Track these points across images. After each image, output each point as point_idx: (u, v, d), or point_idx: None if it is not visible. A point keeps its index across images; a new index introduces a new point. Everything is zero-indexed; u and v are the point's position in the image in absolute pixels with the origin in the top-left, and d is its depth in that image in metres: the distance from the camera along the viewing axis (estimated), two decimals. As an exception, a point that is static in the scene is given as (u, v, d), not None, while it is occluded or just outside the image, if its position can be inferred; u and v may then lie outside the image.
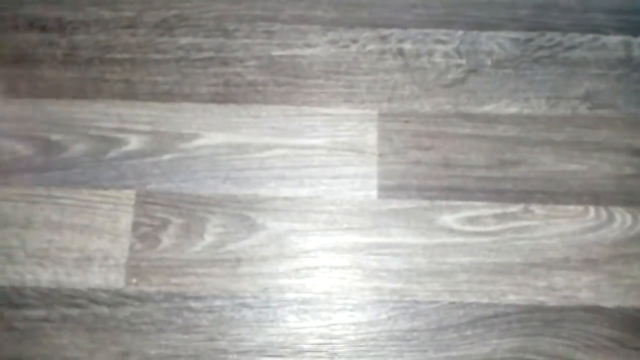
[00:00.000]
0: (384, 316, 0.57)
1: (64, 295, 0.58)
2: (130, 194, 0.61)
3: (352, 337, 0.57)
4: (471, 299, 0.58)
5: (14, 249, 0.59)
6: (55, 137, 0.63)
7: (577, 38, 0.67)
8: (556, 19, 0.68)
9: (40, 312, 0.57)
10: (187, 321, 0.57)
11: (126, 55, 0.66)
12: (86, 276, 0.58)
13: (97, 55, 0.66)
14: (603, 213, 0.60)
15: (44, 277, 0.58)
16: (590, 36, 0.67)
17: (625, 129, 0.64)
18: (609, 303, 0.58)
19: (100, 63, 0.66)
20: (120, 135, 0.63)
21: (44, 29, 0.67)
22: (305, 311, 0.57)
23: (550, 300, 0.58)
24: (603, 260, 0.59)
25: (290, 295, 0.58)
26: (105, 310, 0.57)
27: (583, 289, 0.58)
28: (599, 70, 0.66)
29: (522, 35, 0.67)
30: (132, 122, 0.64)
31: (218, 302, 0.57)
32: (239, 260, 0.59)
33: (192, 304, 0.57)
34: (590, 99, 0.65)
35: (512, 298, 0.58)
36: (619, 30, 0.67)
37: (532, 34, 0.67)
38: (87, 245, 0.59)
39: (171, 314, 0.57)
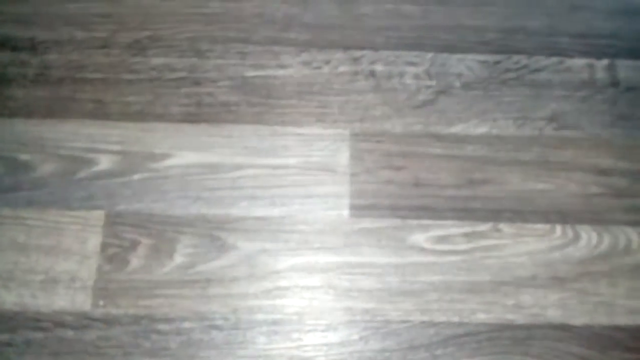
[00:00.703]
0: (355, 336, 0.57)
1: (28, 318, 0.56)
2: (100, 214, 0.60)
3: (323, 359, 0.56)
4: (442, 318, 0.58)
5: (-23, 271, 0.58)
6: (23, 157, 0.62)
7: (543, 61, 0.69)
8: (523, 43, 0.70)
9: (4, 337, 0.56)
10: (155, 344, 0.56)
11: (98, 75, 0.66)
12: (52, 298, 0.57)
13: (69, 75, 0.66)
14: (569, 231, 0.61)
15: (9, 299, 0.57)
16: (555, 59, 0.69)
17: (591, 149, 0.65)
18: (577, 320, 0.58)
19: (72, 83, 0.66)
20: (90, 155, 0.63)
21: (15, 48, 0.67)
22: (276, 332, 0.57)
23: (519, 319, 0.58)
24: (570, 278, 0.60)
25: (260, 317, 0.57)
26: (70, 333, 0.56)
27: (551, 307, 0.59)
28: (565, 92, 0.68)
29: (490, 57, 0.69)
30: (102, 142, 0.63)
31: (187, 324, 0.57)
32: (209, 281, 0.58)
33: (161, 326, 0.56)
34: (556, 119, 0.66)
35: (482, 317, 0.58)
36: (583, 53, 0.70)
37: (500, 57, 0.69)
38: (53, 266, 0.58)
39: (139, 337, 0.56)
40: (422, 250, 0.60)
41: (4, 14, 0.69)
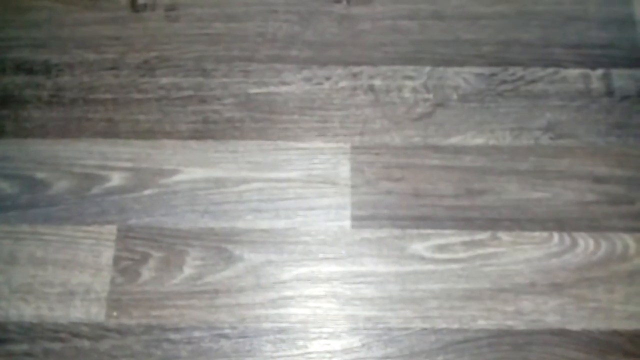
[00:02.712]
0: (358, 344, 0.59)
1: (46, 329, 0.59)
2: (112, 229, 0.63)
3: (327, 365, 0.58)
4: (442, 324, 0.60)
5: (-2, 285, 0.61)
6: (40, 175, 0.66)
7: (539, 72, 0.71)
8: (518, 55, 0.72)
9: (23, 347, 0.59)
10: (167, 352, 0.58)
11: (109, 96, 0.69)
12: (68, 310, 0.60)
13: (81, 95, 0.69)
14: (567, 239, 0.63)
15: (27, 312, 0.60)
16: (550, 70, 0.71)
17: (586, 158, 0.67)
18: (575, 326, 0.60)
19: (84, 103, 0.69)
20: (103, 172, 0.66)
21: (30, 71, 0.71)
22: (282, 340, 0.59)
23: (519, 325, 0.60)
24: (568, 285, 0.61)
25: (266, 325, 0.60)
26: (86, 343, 0.59)
27: (550, 313, 0.60)
28: (560, 102, 0.69)
29: (486, 70, 0.71)
30: (114, 160, 0.66)
31: (196, 333, 0.59)
32: (217, 292, 0.61)
33: (171, 335, 0.59)
34: (552, 129, 0.68)
35: (481, 323, 0.60)
36: (578, 63, 0.71)
37: (496, 69, 0.71)
38: (69, 279, 0.61)
39: (150, 346, 0.59)
40: (422, 259, 0.62)
41: (20, 39, 0.72)
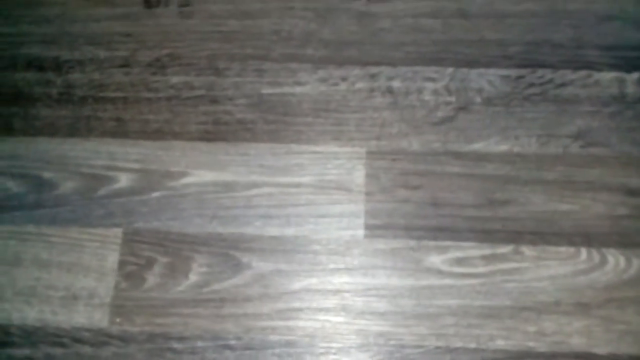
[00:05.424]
0: (368, 360, 0.56)
1: (48, 333, 0.58)
2: (118, 232, 0.61)
3: (335, 382, 0.56)
4: (458, 343, 0.56)
5: (2, 286, 0.60)
6: (47, 175, 0.64)
7: (569, 75, 0.66)
8: (548, 56, 0.67)
9: (25, 351, 0.57)
10: (169, 363, 0.57)
11: (119, 94, 0.68)
12: (71, 315, 0.58)
13: (90, 93, 0.68)
14: (595, 255, 0.59)
15: (31, 315, 0.59)
16: (582, 73, 0.66)
17: (619, 168, 0.62)
18: (602, 350, 0.56)
19: (93, 101, 0.67)
20: (110, 173, 0.64)
21: (41, 68, 0.69)
22: (288, 354, 0.57)
23: (540, 346, 0.56)
24: (595, 305, 0.57)
25: (273, 338, 0.57)
26: (88, 349, 0.57)
27: (574, 335, 0.56)
28: (592, 108, 0.65)
29: (512, 72, 0.67)
30: (122, 160, 0.64)
31: (200, 343, 0.57)
32: (223, 301, 0.58)
33: (175, 344, 0.57)
34: (582, 137, 0.64)
35: (500, 343, 0.56)
36: (612, 66, 0.67)
37: (523, 71, 0.67)
38: (73, 283, 0.60)
39: (153, 355, 0.57)
40: (439, 272, 0.59)
41: (31, 35, 0.71)
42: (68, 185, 0.64)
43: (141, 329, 0.58)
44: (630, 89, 0.66)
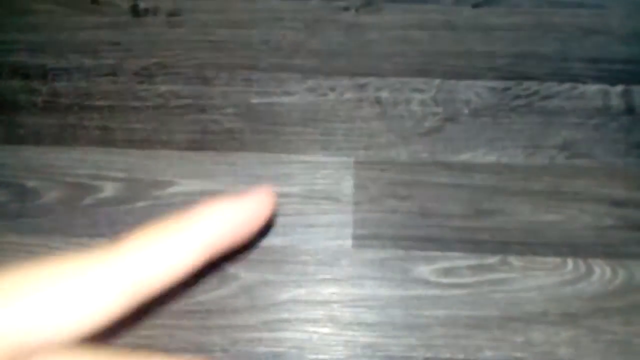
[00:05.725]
0: (356, 372, 0.56)
1: (29, 346, 0.56)
2: (102, 242, 0.60)
3: (323, 394, 0.55)
4: (446, 354, 0.56)
5: (-18, 297, 0.58)
6: (31, 183, 0.63)
7: (555, 87, 0.67)
8: (534, 68, 0.68)
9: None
10: (154, 375, 0.55)
11: (105, 103, 0.67)
12: (53, 327, 0.57)
13: (76, 102, 0.67)
14: (582, 265, 0.59)
15: (11, 327, 0.57)
16: (567, 85, 0.67)
17: (605, 179, 0.63)
18: (589, 360, 0.56)
19: (79, 110, 0.67)
20: (96, 183, 0.63)
21: (26, 76, 0.68)
22: (275, 366, 0.56)
23: (528, 357, 0.56)
24: (582, 315, 0.57)
25: (260, 349, 0.56)
26: None
27: (562, 345, 0.56)
28: (577, 120, 0.66)
29: (499, 84, 0.67)
30: (107, 169, 0.64)
31: (186, 356, 0.56)
32: (209, 312, 0.58)
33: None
34: (568, 148, 0.64)
35: (488, 354, 0.56)
36: (597, 79, 0.68)
37: (510, 83, 0.67)
38: (56, 294, 0.58)
39: (137, 368, 0.56)
40: (427, 283, 0.59)
41: (17, 42, 0.70)
42: (52, 195, 0.63)
43: (124, 341, 0.56)
44: (614, 102, 0.67)
